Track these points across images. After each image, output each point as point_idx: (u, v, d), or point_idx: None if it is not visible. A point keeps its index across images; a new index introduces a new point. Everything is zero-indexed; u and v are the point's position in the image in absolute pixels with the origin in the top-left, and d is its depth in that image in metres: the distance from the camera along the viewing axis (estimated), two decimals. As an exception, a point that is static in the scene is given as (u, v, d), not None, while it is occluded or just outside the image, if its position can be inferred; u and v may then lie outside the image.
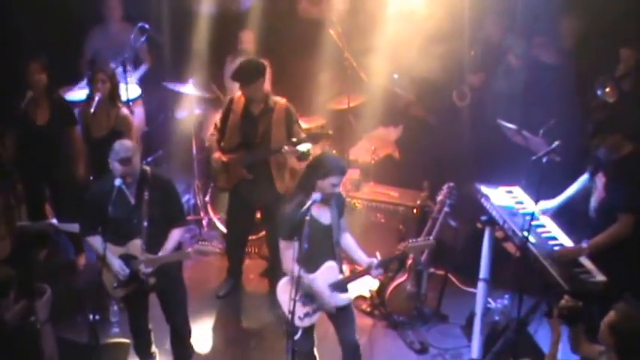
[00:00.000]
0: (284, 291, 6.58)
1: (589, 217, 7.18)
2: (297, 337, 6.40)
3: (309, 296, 6.53)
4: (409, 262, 8.28)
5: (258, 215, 8.93)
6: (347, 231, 6.82)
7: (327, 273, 6.54)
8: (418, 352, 8.02)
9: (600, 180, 7.05)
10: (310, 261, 6.37)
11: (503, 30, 9.55)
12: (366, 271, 6.61)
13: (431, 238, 8.03)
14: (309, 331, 6.69)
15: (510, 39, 9.48)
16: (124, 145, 6.59)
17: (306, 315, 6.59)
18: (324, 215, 6.54)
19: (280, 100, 8.29)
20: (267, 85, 9.56)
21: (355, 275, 6.75)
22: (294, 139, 8.07)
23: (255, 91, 8.13)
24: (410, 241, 7.55)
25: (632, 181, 6.78)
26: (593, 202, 7.14)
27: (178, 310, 7.17)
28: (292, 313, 6.13)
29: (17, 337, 6.43)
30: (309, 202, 6.24)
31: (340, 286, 6.60)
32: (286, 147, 8.04)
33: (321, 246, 6.49)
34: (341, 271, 6.66)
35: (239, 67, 8.29)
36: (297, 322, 6.45)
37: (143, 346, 7.34)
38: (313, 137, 8.26)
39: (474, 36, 9.77)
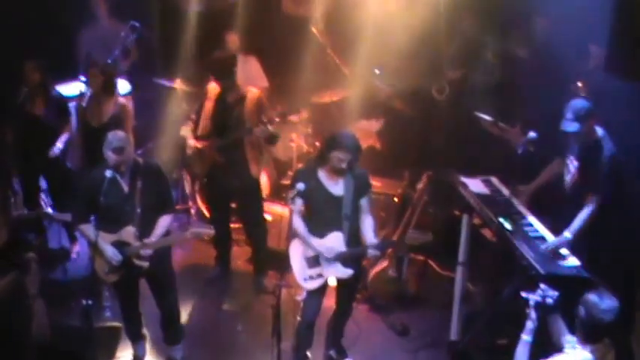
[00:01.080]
0: (295, 250, 6.90)
1: (563, 200, 7.39)
2: (300, 297, 6.77)
3: (315, 259, 6.77)
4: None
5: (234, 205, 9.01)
6: (368, 213, 6.93)
7: (332, 242, 6.73)
8: (399, 334, 8.20)
9: (573, 164, 7.28)
10: (317, 227, 6.69)
11: (480, 27, 9.71)
12: (365, 249, 6.78)
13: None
14: (315, 296, 6.90)
15: (487, 35, 9.64)
16: (117, 135, 6.75)
17: (311, 277, 6.81)
18: (336, 186, 6.75)
19: (253, 89, 8.45)
20: (264, 81, 9.85)
21: (354, 251, 6.81)
22: (265, 119, 8.16)
23: (229, 82, 8.30)
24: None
25: (597, 165, 6.98)
26: (567, 185, 7.35)
27: (168, 295, 7.34)
28: (277, 306, 6.33)
29: (8, 311, 6.52)
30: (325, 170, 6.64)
31: (343, 258, 6.75)
32: (257, 128, 8.15)
33: (328, 215, 6.74)
34: (348, 245, 6.77)
35: (213, 61, 8.50)
36: (303, 283, 6.78)
37: (134, 329, 7.53)
38: (283, 114, 8.35)
39: (452, 33, 9.89)
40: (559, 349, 5.58)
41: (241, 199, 8.76)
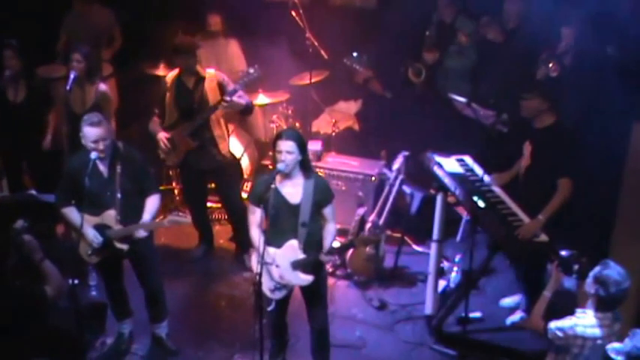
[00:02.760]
0: (255, 262, 6.66)
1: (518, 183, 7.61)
2: (270, 308, 6.64)
3: (272, 270, 6.59)
4: (368, 226, 8.63)
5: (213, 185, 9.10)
6: (331, 222, 6.73)
7: (288, 251, 6.57)
8: (377, 309, 8.35)
9: (527, 148, 7.46)
10: (275, 236, 6.50)
11: (454, 12, 9.88)
12: (318, 256, 6.61)
13: (380, 221, 8.51)
14: (282, 303, 6.80)
15: (461, 20, 9.82)
16: (93, 130, 6.69)
17: (276, 288, 6.65)
18: (292, 193, 6.55)
19: (210, 70, 8.49)
20: (243, 64, 9.94)
21: (307, 259, 6.58)
22: (229, 90, 8.21)
23: (191, 63, 8.33)
24: (360, 234, 8.15)
25: (558, 150, 7.18)
26: (521, 168, 7.55)
27: (151, 275, 7.41)
28: (260, 275, 6.29)
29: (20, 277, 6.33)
30: (274, 171, 6.42)
31: (301, 266, 6.59)
32: (223, 101, 8.20)
33: (285, 223, 6.55)
34: (305, 252, 6.57)
35: (178, 43, 8.50)
36: (269, 295, 6.62)
37: (119, 308, 7.61)
38: (244, 83, 8.31)
39: (428, 17, 10.09)
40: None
41: (217, 179, 8.85)
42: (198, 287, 8.81)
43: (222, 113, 8.49)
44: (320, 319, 6.99)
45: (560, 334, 5.73)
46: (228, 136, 8.75)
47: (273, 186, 6.36)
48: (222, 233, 9.62)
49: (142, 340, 7.79)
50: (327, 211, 6.71)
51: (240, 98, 8.37)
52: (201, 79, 8.37)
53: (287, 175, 6.52)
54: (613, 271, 5.61)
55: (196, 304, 8.50)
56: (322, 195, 6.64)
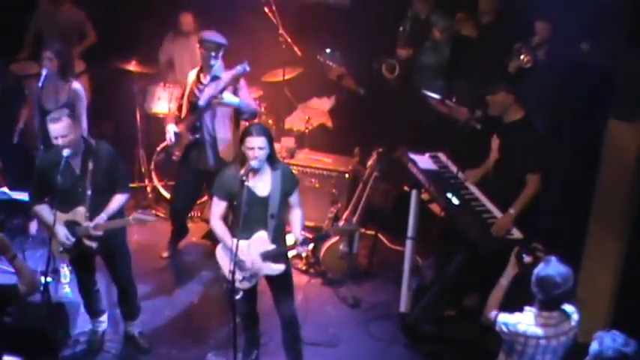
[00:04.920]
0: (221, 253, 6.83)
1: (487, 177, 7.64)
2: (238, 297, 6.60)
3: (243, 262, 6.63)
4: (341, 223, 8.65)
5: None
6: (297, 207, 6.87)
7: (257, 242, 6.64)
8: (351, 307, 8.38)
9: (495, 142, 7.51)
10: (244, 228, 6.45)
11: (429, 8, 9.77)
12: (292, 247, 6.77)
13: (354, 218, 8.53)
14: (250, 292, 6.84)
15: (435, 16, 9.72)
16: (55, 126, 6.66)
17: (245, 278, 6.69)
18: (260, 187, 6.62)
19: (229, 72, 8.35)
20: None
21: (278, 250, 6.71)
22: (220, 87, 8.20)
23: (215, 56, 8.31)
24: (335, 224, 8.09)
25: (527, 145, 7.21)
26: (489, 162, 7.60)
27: (123, 272, 7.41)
28: (233, 272, 6.31)
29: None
30: (247, 169, 6.44)
31: (271, 256, 6.67)
32: (223, 94, 8.16)
33: (253, 215, 6.58)
34: (274, 242, 6.67)
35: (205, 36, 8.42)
36: (237, 285, 6.60)
37: (92, 305, 7.57)
38: (232, 77, 8.21)
39: (403, 13, 10.01)
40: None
41: (210, 177, 8.53)
42: (171, 285, 8.75)
43: (230, 115, 8.42)
44: (289, 308, 7.01)
45: (504, 329, 5.69)
46: (234, 141, 8.43)
47: (246, 183, 6.40)
48: (195, 230, 9.57)
49: (115, 338, 7.77)
50: (294, 197, 6.85)
51: (234, 97, 8.25)
52: (216, 77, 8.34)
53: (255, 170, 6.58)
54: (554, 271, 5.49)
55: (170, 302, 8.44)
56: (289, 183, 6.77)
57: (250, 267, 6.67)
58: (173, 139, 8.52)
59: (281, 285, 6.93)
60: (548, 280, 5.48)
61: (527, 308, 5.69)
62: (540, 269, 5.56)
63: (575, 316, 5.71)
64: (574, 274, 5.60)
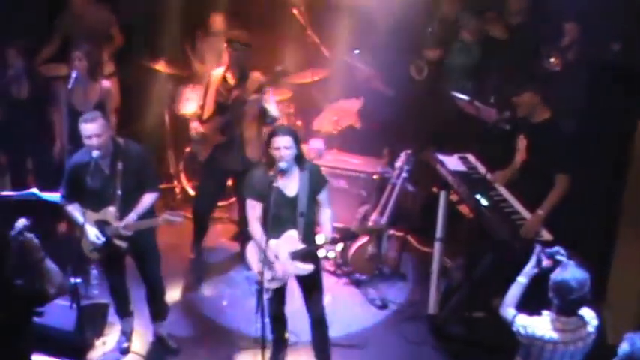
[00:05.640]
0: (252, 253, 6.88)
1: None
2: (267, 297, 6.64)
3: (272, 261, 6.68)
4: (370, 224, 8.61)
5: (230, 183, 9.03)
6: (327, 207, 6.90)
7: (287, 241, 6.70)
8: (379, 308, 8.37)
9: (522, 142, 7.44)
10: (274, 228, 6.56)
11: (457, 9, 9.82)
12: (322, 246, 6.78)
13: (383, 220, 8.46)
14: (278, 292, 6.90)
15: (464, 17, 9.71)
16: (88, 127, 6.72)
17: (274, 278, 6.74)
18: (289, 187, 6.68)
19: (256, 73, 8.45)
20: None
21: (308, 249, 6.76)
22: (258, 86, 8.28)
23: (241, 59, 8.34)
24: (363, 222, 8.09)
25: (555, 145, 7.15)
26: (516, 162, 7.51)
27: (153, 271, 7.45)
28: (262, 273, 6.40)
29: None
30: (275, 170, 6.52)
31: (300, 256, 6.72)
32: (252, 95, 8.23)
33: (284, 215, 6.66)
34: (304, 241, 6.73)
35: (234, 37, 8.45)
36: (267, 284, 6.64)
37: (121, 306, 7.61)
38: (274, 78, 8.41)
39: (431, 14, 10.02)
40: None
41: (236, 179, 8.72)
42: (199, 285, 8.78)
43: (256, 116, 8.43)
44: (319, 308, 7.06)
45: (522, 330, 5.66)
46: (260, 142, 8.39)
47: (274, 184, 6.47)
48: (223, 232, 9.61)
49: (144, 339, 7.79)
50: (323, 196, 6.88)
51: (265, 102, 8.30)
52: (244, 78, 8.37)
53: (284, 171, 6.62)
54: (570, 276, 5.47)
55: (197, 303, 8.48)
56: (317, 183, 6.83)
57: (280, 266, 6.71)
58: (199, 133, 8.53)
59: (310, 284, 6.97)
60: (563, 284, 5.46)
61: (544, 312, 5.66)
62: (557, 274, 5.54)
63: (594, 322, 5.68)
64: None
